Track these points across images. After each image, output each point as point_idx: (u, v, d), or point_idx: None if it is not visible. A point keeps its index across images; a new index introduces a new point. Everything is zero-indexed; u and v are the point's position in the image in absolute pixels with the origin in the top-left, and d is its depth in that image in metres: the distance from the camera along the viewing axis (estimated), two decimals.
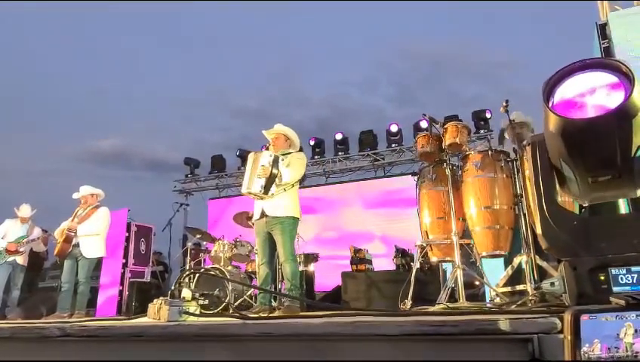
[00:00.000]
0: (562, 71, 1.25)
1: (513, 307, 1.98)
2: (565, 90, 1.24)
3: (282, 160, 4.17)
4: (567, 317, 0.75)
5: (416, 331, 1.04)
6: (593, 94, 1.19)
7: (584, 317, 0.75)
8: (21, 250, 6.17)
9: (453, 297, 3.89)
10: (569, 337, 0.75)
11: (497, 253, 3.69)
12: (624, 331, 0.74)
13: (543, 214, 1.36)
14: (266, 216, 4.03)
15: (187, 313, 1.66)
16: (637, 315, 0.76)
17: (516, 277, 3.69)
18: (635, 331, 0.75)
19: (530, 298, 2.98)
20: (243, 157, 10.25)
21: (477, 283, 4.73)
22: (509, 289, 3.54)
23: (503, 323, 1.00)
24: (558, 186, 1.44)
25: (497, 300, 3.60)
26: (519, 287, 3.55)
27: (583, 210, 3.39)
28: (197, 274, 4.92)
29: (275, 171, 4.01)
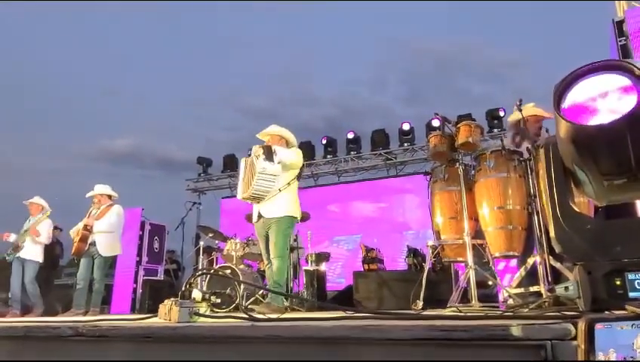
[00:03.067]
0: (573, 74, 1.22)
1: (527, 310, 1.95)
2: (576, 94, 1.21)
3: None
4: (582, 325, 0.73)
5: (427, 336, 1.03)
6: (605, 98, 1.16)
7: (599, 326, 0.73)
8: (20, 244, 6.13)
9: (466, 297, 3.86)
10: (583, 346, 0.73)
11: (510, 253, 3.65)
12: (638, 340, 0.73)
13: (556, 217, 1.33)
14: (263, 217, 4.03)
15: (197, 314, 1.67)
16: None
17: (530, 278, 3.65)
18: None
19: (544, 300, 2.95)
20: None
21: (490, 283, 4.69)
22: (521, 290, 3.49)
23: (516, 329, 0.98)
24: (573, 187, 1.41)
25: (510, 301, 3.57)
26: (533, 289, 3.51)
27: (600, 210, 3.34)
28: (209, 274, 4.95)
29: (266, 148, 3.92)
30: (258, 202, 4.03)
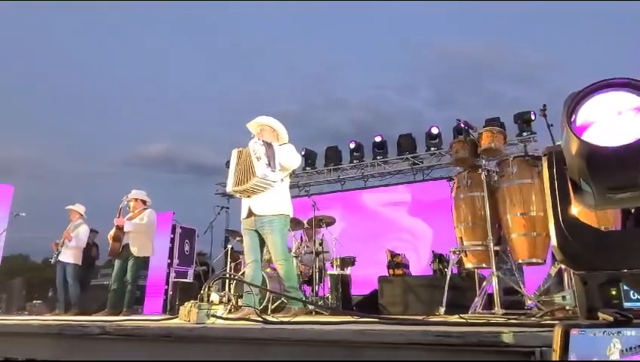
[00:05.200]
0: (585, 90, 1.23)
1: (539, 317, 1.96)
2: (588, 111, 1.23)
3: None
4: (557, 330, 0.77)
5: (421, 340, 1.08)
6: (619, 117, 1.17)
7: (574, 332, 0.77)
8: (59, 248, 6.58)
9: (493, 303, 3.83)
10: (557, 351, 0.77)
11: (534, 260, 3.61)
12: (611, 347, 0.76)
13: (558, 226, 1.36)
14: (255, 214, 3.71)
15: (214, 316, 1.77)
16: (621, 332, 0.77)
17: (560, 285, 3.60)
18: (622, 348, 0.76)
19: (567, 308, 2.92)
20: None
21: (521, 288, 4.63)
22: (543, 297, 3.44)
23: (506, 335, 1.03)
24: (572, 196, 1.43)
25: (535, 308, 3.53)
26: (557, 296, 3.46)
27: (630, 216, 3.27)
28: (235, 277, 5.08)
29: (269, 149, 3.62)
30: (248, 196, 3.74)
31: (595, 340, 0.76)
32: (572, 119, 1.26)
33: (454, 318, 2.28)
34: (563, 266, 3.42)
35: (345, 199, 10.17)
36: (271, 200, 3.71)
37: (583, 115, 1.25)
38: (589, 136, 1.23)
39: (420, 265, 7.10)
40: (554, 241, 1.42)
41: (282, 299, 5.19)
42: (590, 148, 1.20)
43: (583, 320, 0.91)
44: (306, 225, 6.40)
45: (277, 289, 5.12)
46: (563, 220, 1.37)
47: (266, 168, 3.53)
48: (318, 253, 6.04)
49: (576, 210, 1.54)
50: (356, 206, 9.99)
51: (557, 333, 0.77)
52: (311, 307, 4.53)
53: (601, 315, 0.80)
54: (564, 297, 1.21)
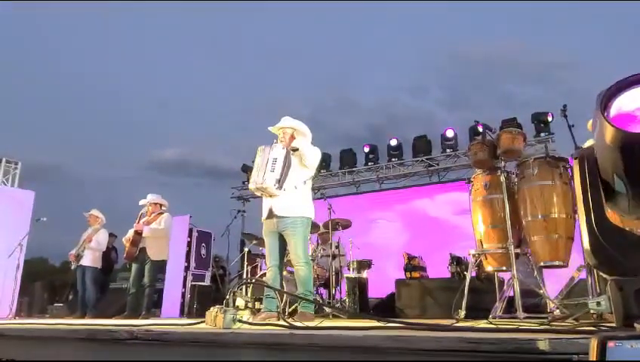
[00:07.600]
0: (619, 83, 1.23)
1: (564, 322, 1.93)
2: (623, 103, 1.22)
3: (293, 155, 3.74)
4: (594, 342, 0.76)
5: (455, 347, 1.07)
6: None
7: (610, 344, 0.75)
8: (80, 253, 6.68)
9: (513, 307, 3.78)
10: None
11: (556, 263, 3.55)
12: None
13: (591, 230, 1.34)
14: (276, 216, 3.67)
15: (240, 321, 1.77)
16: None
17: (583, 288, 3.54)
18: None
19: (592, 312, 2.87)
20: None
21: (542, 291, 4.57)
22: (566, 301, 3.39)
23: (542, 343, 1.01)
24: (604, 201, 1.40)
25: (557, 312, 3.48)
26: (581, 300, 3.40)
27: None
28: (252, 280, 5.10)
29: (287, 164, 3.63)
30: (269, 196, 3.72)
31: (633, 352, 0.74)
32: (606, 111, 1.25)
33: (482, 323, 2.26)
34: (587, 269, 3.37)
35: (360, 202, 10.14)
36: (293, 201, 3.68)
37: (616, 107, 1.24)
38: (623, 126, 1.21)
39: (436, 267, 7.02)
40: (586, 245, 1.40)
41: (299, 302, 5.19)
42: (626, 135, 1.18)
43: (619, 332, 0.90)
44: (322, 229, 6.39)
45: (293, 291, 5.12)
46: (596, 224, 1.34)
47: (274, 183, 3.54)
48: (334, 256, 6.03)
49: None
50: (372, 208, 9.95)
51: (593, 345, 0.75)
52: (328, 310, 4.53)
53: (637, 326, 0.78)
54: (598, 303, 1.19)
